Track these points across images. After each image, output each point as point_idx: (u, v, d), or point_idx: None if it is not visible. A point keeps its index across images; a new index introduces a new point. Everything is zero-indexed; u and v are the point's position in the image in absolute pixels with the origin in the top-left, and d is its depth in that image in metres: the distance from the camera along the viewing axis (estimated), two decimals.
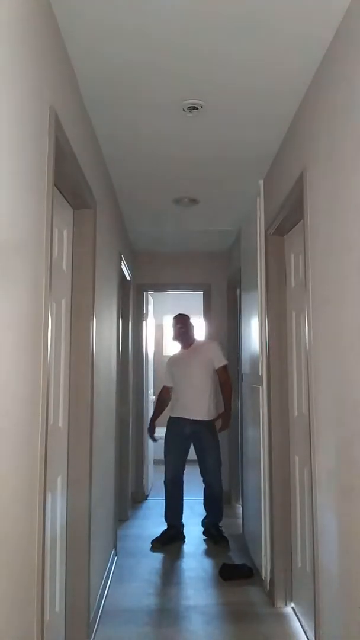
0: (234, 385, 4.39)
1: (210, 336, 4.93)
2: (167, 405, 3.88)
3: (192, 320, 3.90)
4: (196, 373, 3.66)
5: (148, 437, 4.24)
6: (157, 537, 3.55)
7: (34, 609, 1.40)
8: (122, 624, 2.55)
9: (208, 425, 3.63)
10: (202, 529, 3.76)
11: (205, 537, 3.69)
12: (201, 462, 3.69)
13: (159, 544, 3.50)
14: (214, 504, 3.71)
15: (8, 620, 1.21)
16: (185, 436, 3.65)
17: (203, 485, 3.75)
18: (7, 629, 1.20)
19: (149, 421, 4.11)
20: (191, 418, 3.61)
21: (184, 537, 3.66)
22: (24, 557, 1.32)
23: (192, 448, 3.75)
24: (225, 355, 3.79)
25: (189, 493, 3.85)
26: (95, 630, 2.44)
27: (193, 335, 3.86)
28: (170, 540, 3.56)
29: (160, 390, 3.99)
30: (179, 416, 3.66)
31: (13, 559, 1.24)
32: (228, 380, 3.72)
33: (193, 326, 3.86)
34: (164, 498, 3.75)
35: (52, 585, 1.93)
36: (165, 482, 3.73)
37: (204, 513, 3.80)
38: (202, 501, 3.77)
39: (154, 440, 4.08)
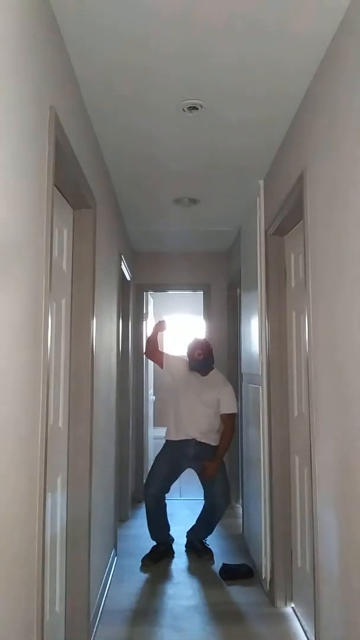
0: (235, 387, 4.39)
1: (215, 348, 4.80)
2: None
3: (209, 344, 3.55)
4: (204, 407, 3.36)
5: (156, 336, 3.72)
6: (147, 555, 3.31)
7: (34, 609, 1.40)
8: (122, 624, 2.55)
9: (215, 449, 3.36)
10: (186, 540, 3.53)
11: (187, 550, 3.48)
12: (207, 488, 3.40)
13: (150, 561, 3.26)
14: (209, 523, 3.46)
15: (8, 620, 1.21)
16: (186, 457, 3.34)
17: (204, 505, 3.49)
18: (7, 628, 1.20)
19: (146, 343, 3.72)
20: (197, 440, 3.33)
21: (173, 553, 3.43)
22: (24, 557, 1.32)
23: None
24: (236, 403, 3.45)
25: (188, 494, 3.82)
26: (95, 630, 2.44)
27: (212, 363, 3.51)
28: (161, 557, 3.33)
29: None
30: (183, 439, 3.35)
31: (13, 559, 1.24)
32: (232, 428, 3.39)
33: (212, 351, 3.52)
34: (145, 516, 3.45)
35: (52, 585, 1.94)
36: (146, 498, 3.40)
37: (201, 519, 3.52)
38: (200, 513, 3.51)
39: (163, 326, 3.69)
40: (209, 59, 1.88)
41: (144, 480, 4.69)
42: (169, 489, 3.42)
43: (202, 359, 3.44)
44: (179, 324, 6.64)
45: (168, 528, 3.49)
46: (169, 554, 3.41)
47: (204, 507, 3.50)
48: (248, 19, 1.65)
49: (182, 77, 2.00)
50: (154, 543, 3.43)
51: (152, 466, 3.47)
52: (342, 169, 1.63)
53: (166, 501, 3.46)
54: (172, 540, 3.51)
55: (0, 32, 1.13)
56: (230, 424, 3.39)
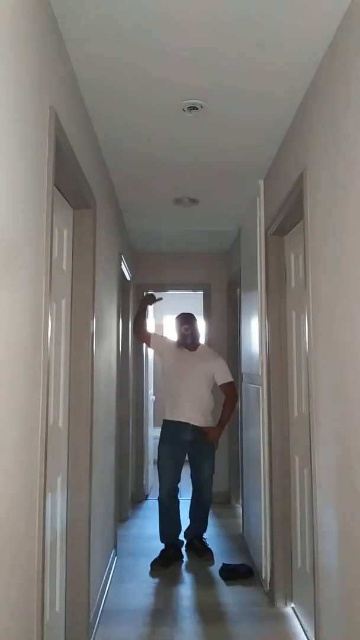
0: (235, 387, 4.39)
1: (215, 348, 4.82)
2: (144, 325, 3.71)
3: (197, 319, 3.59)
4: (199, 380, 3.39)
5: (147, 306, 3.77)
6: (156, 559, 3.27)
7: (34, 609, 1.40)
8: (122, 624, 2.55)
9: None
10: (185, 540, 3.52)
11: (187, 550, 3.46)
12: (195, 469, 3.48)
13: (159, 566, 3.21)
14: (201, 514, 3.51)
15: (8, 620, 1.21)
16: (184, 442, 3.37)
17: (191, 498, 3.55)
18: (7, 629, 1.20)
19: (135, 318, 3.78)
20: (193, 424, 3.34)
21: (182, 557, 3.38)
22: (24, 557, 1.32)
23: None
24: (230, 372, 3.49)
25: (188, 494, 3.81)
26: (95, 630, 2.44)
27: (199, 337, 3.56)
28: (171, 561, 3.29)
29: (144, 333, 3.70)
30: (179, 420, 3.35)
31: (13, 559, 1.24)
32: (233, 397, 3.44)
33: (198, 326, 3.57)
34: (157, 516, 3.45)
35: (52, 585, 1.93)
36: (160, 498, 3.42)
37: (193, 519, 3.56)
38: (189, 509, 3.55)
39: (155, 299, 3.74)
40: (209, 58, 1.88)
41: (144, 480, 4.73)
42: (180, 477, 3.44)
43: (189, 334, 3.48)
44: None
45: (179, 529, 3.45)
46: (179, 557, 3.37)
47: (192, 497, 3.53)
48: (248, 21, 1.65)
49: (182, 76, 2.00)
50: (155, 543, 3.41)
51: (159, 463, 3.46)
52: (342, 168, 1.63)
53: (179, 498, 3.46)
54: (182, 543, 3.48)
55: (0, 32, 1.13)
56: (231, 394, 3.43)
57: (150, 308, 3.89)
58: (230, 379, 3.45)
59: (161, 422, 3.47)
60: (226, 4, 1.58)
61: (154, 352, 3.75)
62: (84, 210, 2.29)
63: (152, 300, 3.76)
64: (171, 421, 3.41)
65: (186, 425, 3.35)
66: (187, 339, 3.49)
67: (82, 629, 2.19)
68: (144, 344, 4.31)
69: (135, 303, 4.82)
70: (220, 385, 3.44)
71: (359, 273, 1.48)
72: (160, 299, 3.76)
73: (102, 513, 2.76)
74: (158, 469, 3.47)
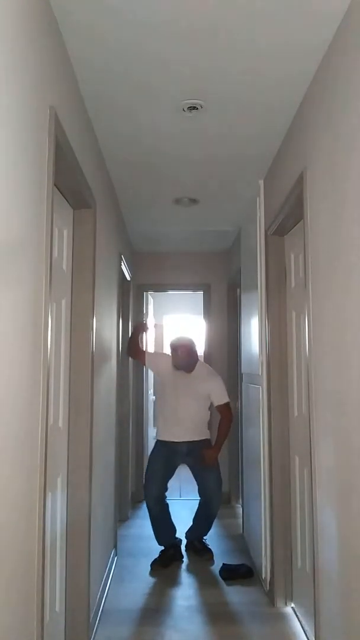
0: (235, 387, 4.40)
1: (215, 350, 4.84)
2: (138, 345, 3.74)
3: (195, 343, 3.51)
4: (196, 400, 3.36)
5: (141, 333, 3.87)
6: (156, 559, 3.27)
7: (34, 609, 1.40)
8: (122, 624, 2.55)
9: (206, 443, 3.38)
10: (185, 541, 3.51)
11: (187, 550, 3.46)
12: (200, 482, 3.41)
13: (159, 566, 3.21)
14: (206, 521, 3.47)
15: (8, 620, 1.21)
16: (178, 455, 3.35)
17: (199, 502, 3.49)
18: (7, 629, 1.20)
19: (128, 344, 3.81)
20: (188, 440, 3.32)
21: (182, 556, 3.38)
22: (24, 557, 1.32)
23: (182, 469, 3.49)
24: (227, 391, 3.43)
25: (188, 494, 3.82)
26: (95, 630, 2.44)
27: (196, 361, 3.49)
28: (171, 561, 3.28)
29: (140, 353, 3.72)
30: (173, 440, 3.33)
31: (13, 559, 1.24)
32: (229, 417, 3.37)
33: (195, 349, 3.50)
34: (149, 521, 3.41)
35: (52, 585, 1.93)
36: (148, 506, 3.38)
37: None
38: (195, 513, 3.53)
39: (146, 327, 3.83)
40: (209, 61, 1.88)
41: (144, 481, 4.72)
42: (167, 487, 3.41)
43: (185, 357, 3.41)
44: (179, 324, 6.63)
45: (174, 530, 3.44)
46: (178, 557, 3.36)
47: (199, 503, 3.49)
48: (247, 25, 1.65)
49: (182, 78, 2.00)
50: (155, 543, 3.40)
51: (147, 468, 3.46)
52: (341, 168, 1.63)
53: (167, 501, 3.45)
54: (180, 541, 3.47)
55: (0, 32, 1.13)
56: (227, 414, 3.38)
57: (149, 324, 3.91)
58: (226, 399, 3.38)
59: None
60: (225, 9, 1.58)
61: (148, 366, 3.76)
62: (84, 210, 2.29)
63: (144, 329, 3.79)
64: (164, 441, 3.39)
65: (181, 443, 3.33)
66: (183, 363, 3.41)
67: (82, 629, 2.20)
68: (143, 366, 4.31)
69: (135, 303, 4.83)
70: (216, 406, 3.39)
71: (358, 273, 1.48)
72: (155, 325, 3.74)
73: (102, 513, 2.76)
74: (145, 480, 3.45)
